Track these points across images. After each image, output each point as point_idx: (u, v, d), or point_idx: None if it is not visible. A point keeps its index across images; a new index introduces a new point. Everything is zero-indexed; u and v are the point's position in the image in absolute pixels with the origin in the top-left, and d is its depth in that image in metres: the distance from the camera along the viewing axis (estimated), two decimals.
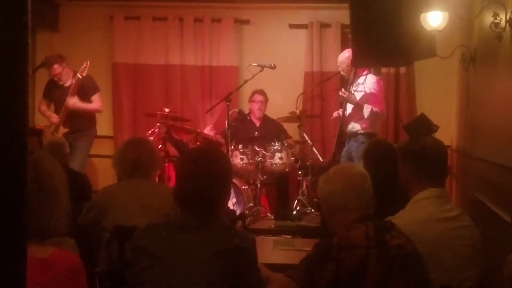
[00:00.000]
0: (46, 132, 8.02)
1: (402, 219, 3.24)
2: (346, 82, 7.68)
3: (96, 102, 8.23)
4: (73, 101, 7.90)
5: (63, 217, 2.52)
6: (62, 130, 7.95)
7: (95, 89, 8.22)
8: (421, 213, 3.32)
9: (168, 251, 2.73)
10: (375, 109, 7.15)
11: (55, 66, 7.95)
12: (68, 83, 8.06)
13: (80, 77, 7.87)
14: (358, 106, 7.22)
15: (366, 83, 7.32)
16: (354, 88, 7.36)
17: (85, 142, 8.18)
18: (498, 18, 4.31)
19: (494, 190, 4.67)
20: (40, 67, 8.11)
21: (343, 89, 7.37)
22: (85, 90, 7.99)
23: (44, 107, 8.23)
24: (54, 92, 8.14)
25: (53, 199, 2.48)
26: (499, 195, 4.43)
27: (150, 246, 2.75)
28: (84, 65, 7.86)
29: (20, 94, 1.29)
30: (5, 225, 1.28)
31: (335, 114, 7.72)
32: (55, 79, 8.03)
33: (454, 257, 3.25)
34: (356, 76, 7.40)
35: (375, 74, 7.63)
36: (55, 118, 7.98)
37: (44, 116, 8.22)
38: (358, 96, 7.29)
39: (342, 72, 7.71)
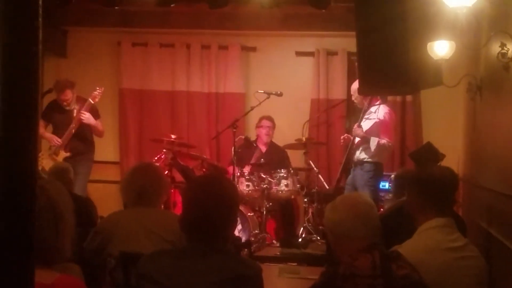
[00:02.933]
0: (42, 155, 7.96)
1: (409, 248, 3.23)
2: (353, 110, 7.69)
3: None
4: (87, 116, 7.94)
5: (68, 243, 2.51)
6: (63, 154, 7.94)
7: (98, 115, 8.27)
8: (428, 243, 3.31)
9: (174, 279, 2.71)
10: (382, 141, 7.14)
11: (68, 91, 7.98)
12: (72, 107, 8.07)
13: (93, 102, 7.93)
14: (365, 139, 7.21)
15: (379, 112, 7.29)
16: (366, 116, 7.34)
17: (85, 166, 8.19)
18: (505, 48, 4.32)
19: (500, 220, 4.65)
20: (47, 93, 8.13)
21: (355, 126, 7.35)
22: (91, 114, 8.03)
23: (42, 129, 8.11)
24: (56, 115, 8.13)
25: (58, 225, 2.47)
26: (505, 225, 4.41)
27: (156, 274, 2.74)
28: (98, 91, 7.91)
29: (30, 122, 1.30)
30: (13, 252, 1.29)
31: (342, 140, 7.68)
32: (64, 103, 8.04)
33: (461, 287, 3.24)
34: (370, 105, 7.36)
35: (381, 102, 7.63)
36: (57, 140, 7.98)
37: (43, 138, 8.12)
38: (368, 123, 7.27)
39: (355, 101, 7.70)
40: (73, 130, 7.96)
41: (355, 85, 7.57)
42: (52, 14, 8.48)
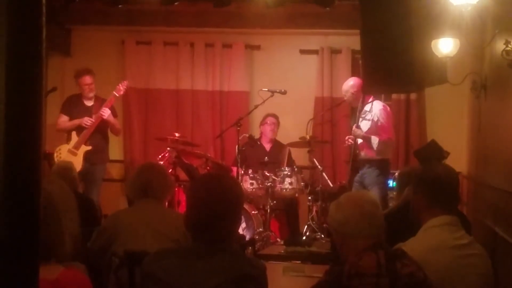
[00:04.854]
0: (60, 151, 7.96)
1: (414, 246, 3.21)
2: (355, 108, 7.67)
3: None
4: (108, 113, 7.99)
5: (67, 240, 2.49)
6: (84, 147, 7.94)
7: (116, 114, 8.36)
8: (433, 241, 3.30)
9: (179, 278, 2.71)
10: (382, 138, 7.14)
11: (88, 76, 8.09)
12: (90, 103, 8.13)
13: (117, 95, 8.01)
14: (366, 139, 7.21)
15: (373, 110, 7.28)
16: (362, 115, 7.34)
17: (102, 171, 8.34)
18: (509, 45, 4.31)
19: (505, 218, 4.64)
20: (51, 92, 8.12)
21: (354, 127, 7.36)
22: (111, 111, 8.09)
23: (67, 121, 8.19)
24: (77, 111, 8.17)
25: (55, 222, 2.45)
26: (510, 223, 4.40)
27: (161, 273, 2.73)
28: (123, 84, 8.01)
29: (34, 121, 1.30)
30: (18, 249, 1.29)
31: (347, 142, 7.66)
32: (85, 90, 8.12)
33: (466, 286, 3.23)
34: (363, 104, 7.36)
35: (385, 100, 7.61)
36: (88, 119, 8.00)
37: (73, 126, 8.13)
38: (366, 124, 7.27)
39: (347, 100, 7.70)
40: (93, 127, 7.98)
41: (346, 85, 7.57)
42: (56, 12, 8.48)
